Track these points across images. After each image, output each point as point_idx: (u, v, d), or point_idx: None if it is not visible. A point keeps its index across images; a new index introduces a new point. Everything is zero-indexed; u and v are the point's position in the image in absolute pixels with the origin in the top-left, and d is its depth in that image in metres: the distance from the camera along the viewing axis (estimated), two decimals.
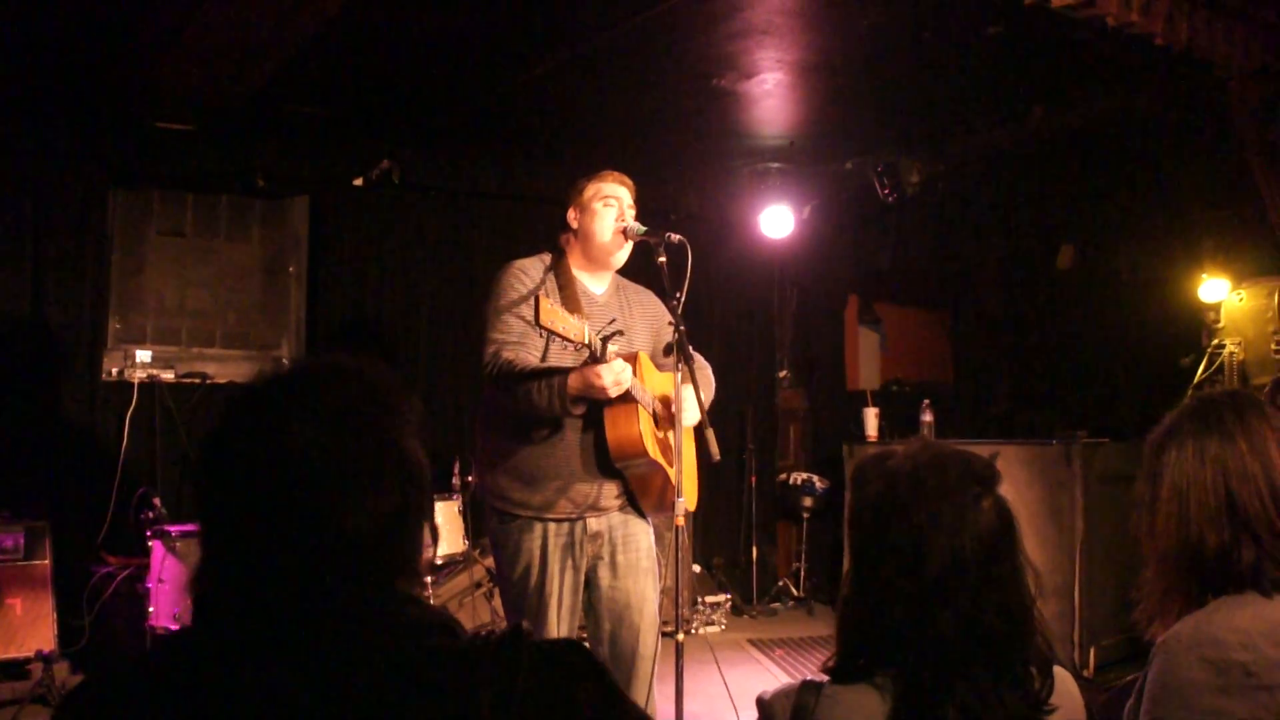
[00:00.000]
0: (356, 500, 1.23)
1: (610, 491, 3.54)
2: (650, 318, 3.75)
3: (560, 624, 3.47)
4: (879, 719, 1.63)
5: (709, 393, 3.79)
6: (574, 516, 3.50)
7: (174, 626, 5.13)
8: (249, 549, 1.24)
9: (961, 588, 1.63)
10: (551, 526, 3.48)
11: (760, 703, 1.75)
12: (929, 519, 1.65)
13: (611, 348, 3.22)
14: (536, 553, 3.47)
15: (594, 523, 3.53)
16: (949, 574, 1.63)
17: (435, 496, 5.07)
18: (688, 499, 3.68)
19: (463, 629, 1.28)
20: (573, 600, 3.51)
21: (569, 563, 3.49)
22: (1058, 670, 1.72)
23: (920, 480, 1.68)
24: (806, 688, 1.68)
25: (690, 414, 3.55)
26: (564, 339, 3.13)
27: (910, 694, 1.62)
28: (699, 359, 3.84)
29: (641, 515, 3.65)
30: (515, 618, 3.53)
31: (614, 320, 3.48)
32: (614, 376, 3.21)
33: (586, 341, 3.17)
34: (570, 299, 3.47)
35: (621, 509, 3.59)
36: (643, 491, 3.59)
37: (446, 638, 1.25)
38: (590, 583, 3.56)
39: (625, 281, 3.77)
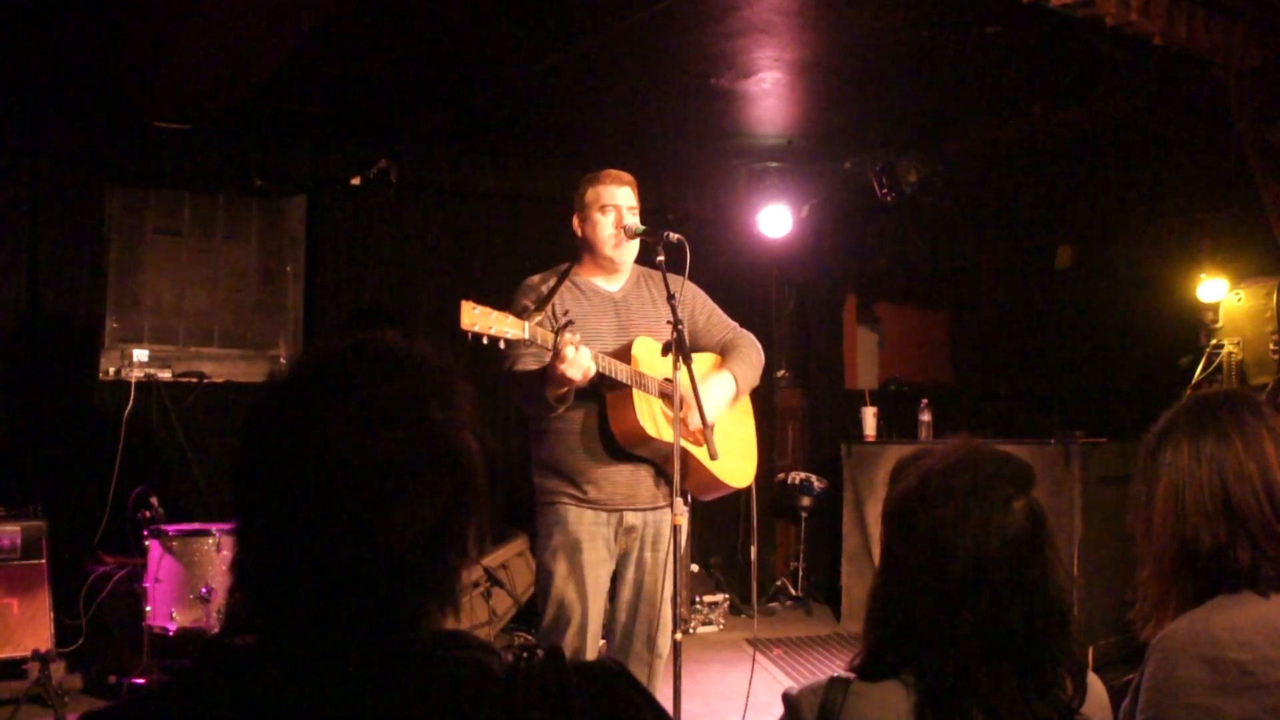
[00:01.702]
0: (400, 506, 1.13)
1: (647, 485, 3.60)
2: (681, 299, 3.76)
3: (590, 610, 3.54)
4: (905, 717, 1.62)
5: (753, 372, 3.82)
6: (611, 508, 3.57)
7: (171, 626, 5.12)
8: (280, 555, 1.14)
9: (985, 588, 1.62)
10: (588, 514, 3.56)
11: (786, 699, 1.75)
12: (955, 517, 1.64)
13: (566, 336, 3.25)
14: (572, 537, 3.55)
15: (631, 517, 3.61)
16: (973, 573, 1.62)
17: None
18: (741, 476, 3.78)
19: (499, 658, 1.18)
20: (604, 588, 3.60)
21: (604, 552, 3.58)
22: (1091, 677, 1.71)
23: (951, 478, 1.68)
24: (834, 684, 1.68)
25: (710, 409, 3.60)
26: (496, 338, 3.17)
27: (933, 693, 1.61)
28: (748, 337, 3.89)
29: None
30: (544, 602, 3.60)
31: (568, 312, 3.49)
32: (571, 364, 3.25)
33: (525, 337, 3.22)
34: (545, 301, 3.52)
35: (658, 507, 3.64)
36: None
37: (489, 683, 1.15)
38: (616, 574, 3.64)
39: (648, 270, 3.81)
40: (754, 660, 4.56)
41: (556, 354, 3.25)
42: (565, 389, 3.36)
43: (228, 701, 1.11)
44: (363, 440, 1.13)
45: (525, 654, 1.19)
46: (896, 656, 1.67)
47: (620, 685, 1.22)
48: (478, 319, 3.08)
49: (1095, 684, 1.73)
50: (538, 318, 3.30)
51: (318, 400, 1.16)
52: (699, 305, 3.83)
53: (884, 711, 1.64)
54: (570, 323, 3.33)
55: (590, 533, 3.56)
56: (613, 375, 3.41)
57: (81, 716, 1.19)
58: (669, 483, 3.59)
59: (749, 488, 3.86)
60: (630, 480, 3.58)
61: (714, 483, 3.72)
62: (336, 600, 1.13)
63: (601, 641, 3.81)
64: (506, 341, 3.32)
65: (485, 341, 3.16)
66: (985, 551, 1.63)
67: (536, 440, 3.65)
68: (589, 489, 3.55)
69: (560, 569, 3.55)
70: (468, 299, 3.14)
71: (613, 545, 3.60)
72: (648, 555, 3.64)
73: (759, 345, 3.89)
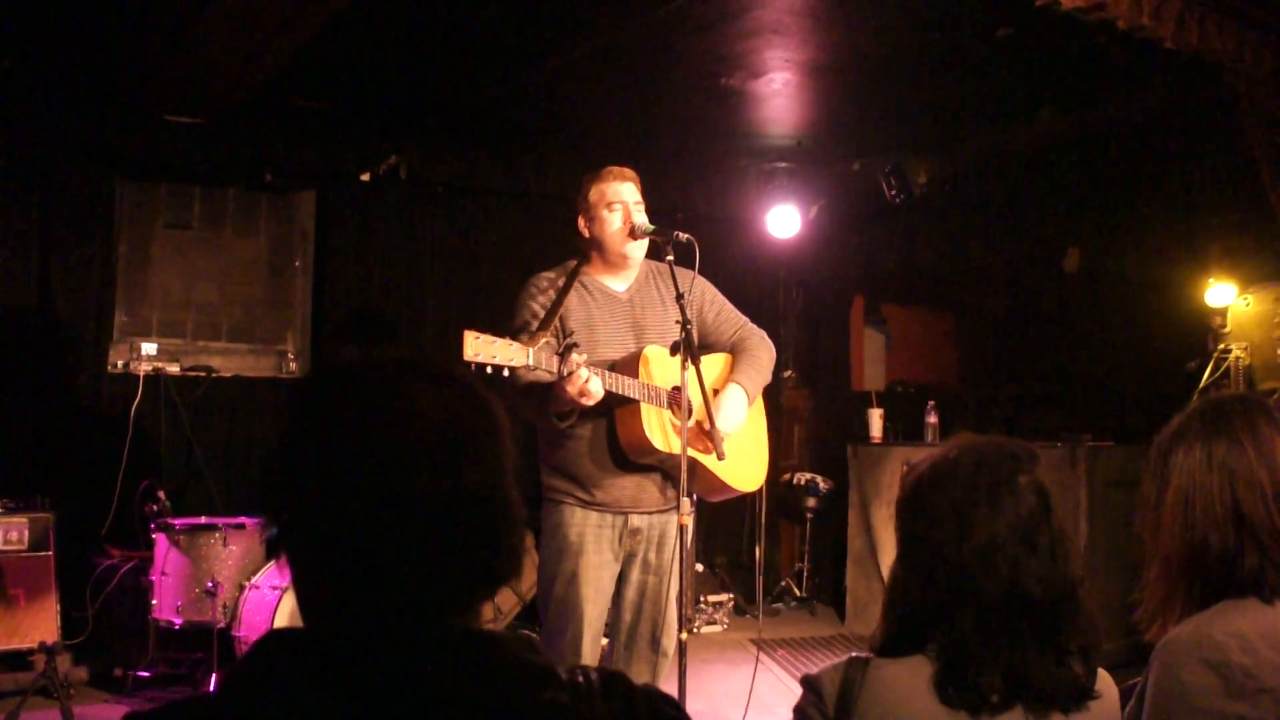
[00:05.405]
0: (473, 456, 1.18)
1: (653, 490, 3.58)
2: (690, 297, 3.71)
3: (590, 611, 3.52)
4: (925, 688, 1.68)
5: (764, 376, 3.75)
6: (617, 511, 3.55)
7: (177, 620, 5.14)
8: (343, 534, 1.15)
9: (1001, 555, 1.69)
10: (594, 515, 3.54)
11: (806, 680, 1.80)
12: (966, 493, 1.73)
13: (574, 359, 3.20)
14: (575, 538, 3.53)
15: (636, 519, 3.59)
16: (989, 542, 1.70)
17: None
18: (752, 479, 3.75)
19: (559, 671, 1.21)
20: (607, 589, 3.57)
21: (608, 554, 3.55)
22: (1101, 670, 1.77)
23: (959, 461, 1.76)
24: (853, 663, 1.74)
25: (725, 425, 3.55)
26: (500, 367, 3.09)
27: (955, 659, 1.67)
28: (757, 334, 3.82)
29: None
30: (545, 601, 3.60)
31: (573, 334, 3.47)
32: (576, 389, 3.22)
33: (530, 363, 3.15)
34: (553, 311, 3.47)
35: (665, 510, 3.62)
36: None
37: (558, 690, 1.18)
38: (622, 575, 3.62)
39: (658, 265, 3.70)
40: (758, 660, 4.57)
41: (563, 378, 3.21)
42: (570, 408, 3.34)
43: (301, 686, 1.11)
44: (438, 402, 1.18)
45: (581, 674, 1.22)
46: (918, 633, 1.73)
47: (674, 711, 1.26)
48: (481, 348, 3.01)
49: (1104, 676, 1.78)
50: (543, 339, 3.24)
51: (393, 379, 1.21)
52: (708, 302, 3.77)
53: (903, 686, 1.70)
54: (574, 345, 3.26)
55: (595, 535, 3.53)
56: (621, 393, 3.37)
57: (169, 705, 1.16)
58: (676, 486, 3.60)
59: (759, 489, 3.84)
60: (637, 485, 3.55)
61: (723, 487, 3.69)
62: (398, 579, 1.16)
63: (604, 641, 3.80)
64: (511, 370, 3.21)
65: (489, 370, 3.05)
66: (998, 522, 1.71)
67: (546, 442, 3.62)
68: (596, 492, 3.53)
69: (563, 569, 3.53)
70: (470, 328, 3.02)
71: (618, 548, 3.57)
72: (653, 556, 3.62)
73: (769, 341, 3.83)
